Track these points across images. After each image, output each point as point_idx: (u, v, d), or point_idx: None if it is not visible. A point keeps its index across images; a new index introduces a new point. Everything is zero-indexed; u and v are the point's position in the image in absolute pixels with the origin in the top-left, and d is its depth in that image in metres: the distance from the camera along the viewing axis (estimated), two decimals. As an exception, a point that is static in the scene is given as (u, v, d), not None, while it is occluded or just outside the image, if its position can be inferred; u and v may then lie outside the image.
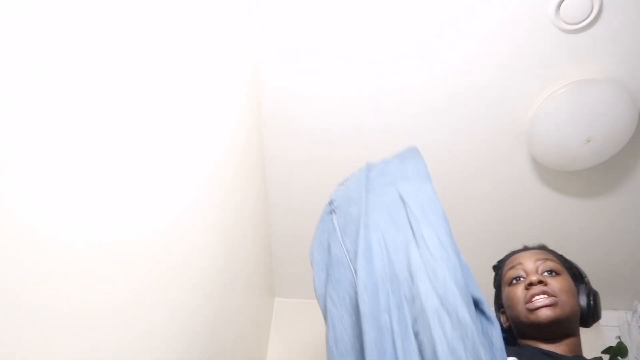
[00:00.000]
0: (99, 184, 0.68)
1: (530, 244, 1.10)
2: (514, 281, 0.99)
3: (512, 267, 1.02)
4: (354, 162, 1.87)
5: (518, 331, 0.99)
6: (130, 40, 0.76)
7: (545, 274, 0.97)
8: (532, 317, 0.91)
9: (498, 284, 1.08)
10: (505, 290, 1.01)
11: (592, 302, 0.99)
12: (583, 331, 2.10)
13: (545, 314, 0.90)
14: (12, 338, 0.51)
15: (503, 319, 1.05)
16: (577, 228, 1.95)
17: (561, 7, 1.44)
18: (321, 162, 1.85)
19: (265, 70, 1.64)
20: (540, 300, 0.91)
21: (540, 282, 0.93)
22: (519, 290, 0.95)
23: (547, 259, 1.01)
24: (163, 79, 0.90)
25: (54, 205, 0.58)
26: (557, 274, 0.98)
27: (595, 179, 1.82)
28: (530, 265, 0.99)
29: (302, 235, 2.09)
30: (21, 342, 0.52)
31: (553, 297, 0.91)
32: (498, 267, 1.11)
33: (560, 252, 2.02)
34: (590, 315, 0.98)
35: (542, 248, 1.09)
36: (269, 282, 2.16)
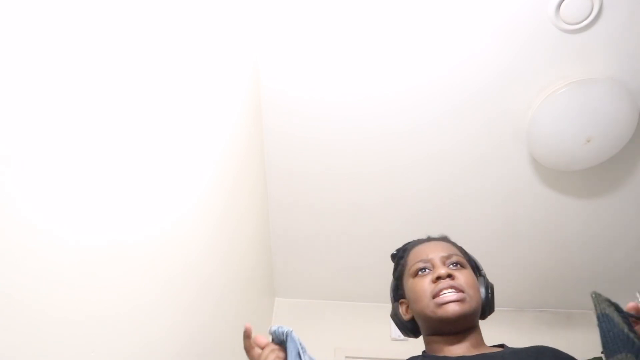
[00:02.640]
0: (101, 188, 0.68)
1: (433, 234, 1.08)
2: (420, 273, 0.96)
3: (418, 259, 0.99)
4: (354, 163, 1.88)
5: (422, 324, 0.98)
6: (130, 43, 0.76)
7: (452, 267, 0.96)
8: (440, 312, 0.89)
9: (399, 274, 1.05)
10: (410, 282, 0.98)
11: (490, 295, 0.99)
12: (583, 331, 2.11)
13: (453, 309, 0.88)
14: (12, 338, 0.51)
15: (402, 309, 1.02)
16: (577, 228, 1.95)
17: (561, 7, 1.44)
18: (321, 165, 1.85)
19: (265, 72, 1.64)
20: (448, 295, 0.89)
21: (448, 275, 0.91)
22: (426, 283, 0.93)
23: (452, 253, 0.99)
24: (164, 82, 0.90)
25: (56, 207, 0.58)
26: (463, 267, 0.97)
27: (595, 179, 1.82)
28: (437, 257, 0.97)
29: (302, 237, 2.09)
30: (21, 343, 0.52)
31: (461, 293, 0.90)
32: (400, 257, 1.08)
33: (560, 252, 2.03)
34: (487, 307, 0.98)
35: (446, 240, 1.07)
36: (269, 282, 2.16)
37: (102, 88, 0.68)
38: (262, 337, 0.89)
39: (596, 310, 0.75)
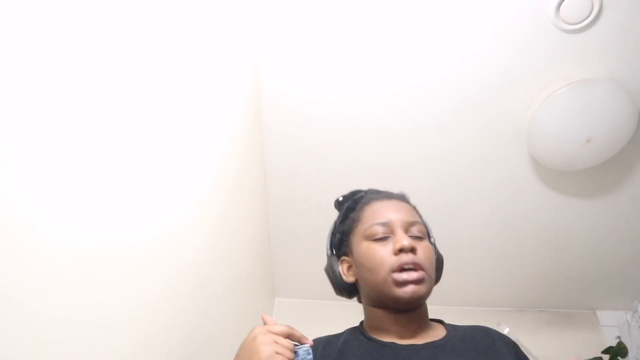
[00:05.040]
0: (101, 188, 0.68)
1: (392, 192, 0.97)
2: (379, 236, 0.86)
3: (376, 221, 0.87)
4: (354, 164, 1.88)
5: (369, 294, 0.89)
6: (130, 42, 0.76)
7: (414, 237, 0.86)
8: (398, 291, 0.81)
9: (348, 228, 0.94)
10: (364, 246, 0.88)
11: (440, 267, 0.93)
12: (583, 331, 2.10)
13: (412, 290, 0.81)
14: (12, 338, 0.51)
15: (343, 268, 0.93)
16: (577, 228, 1.95)
17: (561, 7, 1.44)
18: (321, 164, 1.85)
19: (265, 72, 1.64)
20: (409, 273, 0.81)
21: (412, 250, 0.83)
22: (386, 254, 0.83)
23: (415, 220, 0.89)
24: (164, 82, 0.90)
25: (56, 207, 0.58)
26: (422, 237, 0.88)
27: (595, 179, 1.82)
28: (399, 223, 0.86)
29: (302, 236, 2.09)
30: (21, 343, 0.52)
31: (422, 272, 0.82)
32: (350, 208, 0.97)
33: (560, 252, 2.03)
34: (436, 280, 0.91)
35: (406, 200, 0.97)
36: (269, 282, 2.16)
37: (101, 88, 0.68)
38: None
39: None
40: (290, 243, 2.11)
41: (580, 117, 1.59)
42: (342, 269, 0.94)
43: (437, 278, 0.93)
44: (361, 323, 0.95)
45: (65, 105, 0.60)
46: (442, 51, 1.57)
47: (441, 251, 0.99)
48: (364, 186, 1.89)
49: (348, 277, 0.93)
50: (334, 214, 2.00)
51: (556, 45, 1.53)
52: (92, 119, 0.66)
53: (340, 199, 1.03)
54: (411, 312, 0.86)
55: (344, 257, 0.95)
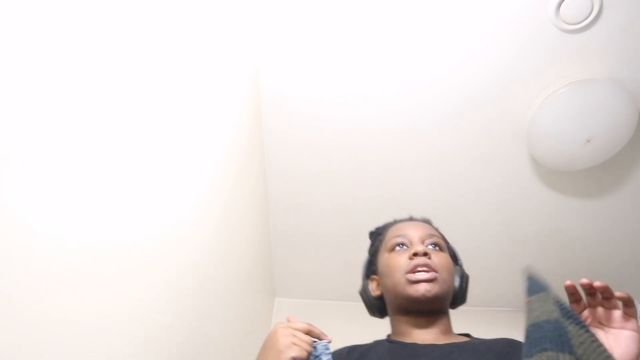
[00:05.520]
0: (101, 188, 0.68)
1: (415, 215, 1.06)
2: (397, 248, 0.95)
3: (396, 235, 0.97)
4: (354, 164, 1.88)
5: (391, 301, 0.96)
6: (130, 43, 0.76)
7: (430, 247, 0.94)
8: (411, 289, 0.87)
9: (375, 250, 1.03)
10: (385, 256, 0.97)
11: (464, 284, 0.98)
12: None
13: (424, 288, 0.86)
14: (12, 338, 0.51)
15: (372, 285, 1.01)
16: (578, 228, 1.95)
17: (561, 7, 1.44)
18: (321, 164, 1.85)
19: (265, 72, 1.64)
20: (421, 274, 0.88)
21: (425, 254, 0.90)
22: (402, 259, 0.91)
23: (432, 234, 0.98)
24: (164, 82, 0.90)
25: (56, 207, 0.58)
26: (441, 249, 0.95)
27: (595, 179, 1.82)
28: (416, 235, 0.95)
29: (302, 236, 2.09)
30: (21, 343, 0.52)
31: (434, 272, 0.88)
32: (378, 234, 1.07)
33: (560, 252, 2.02)
34: (459, 297, 0.97)
35: (428, 222, 1.07)
36: (269, 282, 2.16)
37: (102, 88, 0.68)
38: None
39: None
40: (290, 243, 2.11)
41: (580, 117, 1.59)
42: (371, 286, 1.02)
43: (462, 296, 0.98)
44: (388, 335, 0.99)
45: (66, 106, 0.60)
46: (442, 51, 1.57)
47: (388, 220, 1.07)
48: (364, 185, 1.90)
49: (375, 292, 1.00)
50: (333, 214, 2.01)
51: (556, 45, 1.53)
52: (93, 119, 0.66)
53: (373, 230, 1.11)
54: (432, 316, 0.90)
55: (372, 276, 1.02)
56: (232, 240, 1.45)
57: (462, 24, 1.52)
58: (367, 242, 2.02)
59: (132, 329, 0.79)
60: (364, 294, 1.03)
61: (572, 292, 0.75)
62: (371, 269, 1.04)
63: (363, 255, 2.14)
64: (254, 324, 1.87)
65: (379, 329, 2.39)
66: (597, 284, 0.70)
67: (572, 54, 1.54)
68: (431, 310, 0.90)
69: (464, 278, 0.99)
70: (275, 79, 1.66)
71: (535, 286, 0.71)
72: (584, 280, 0.72)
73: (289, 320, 0.88)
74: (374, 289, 1.00)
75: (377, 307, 1.01)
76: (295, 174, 1.88)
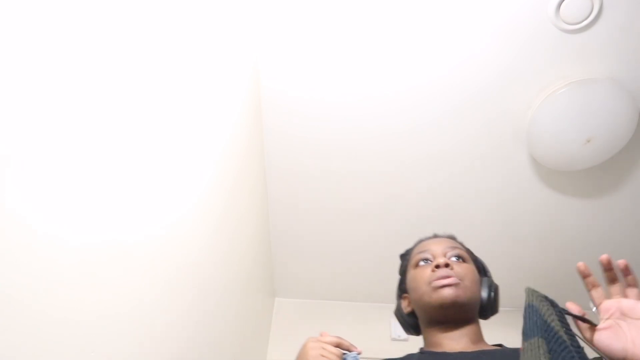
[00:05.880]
0: (101, 188, 0.68)
1: (439, 232, 1.11)
2: (422, 263, 1.00)
3: (420, 252, 1.02)
4: (355, 164, 1.88)
5: (421, 314, 1.00)
6: (130, 43, 0.76)
7: (453, 259, 0.98)
8: (435, 295, 0.91)
9: (404, 269, 1.08)
10: (412, 273, 1.02)
11: (492, 295, 1.00)
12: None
13: (448, 292, 0.90)
14: (12, 338, 0.51)
15: (404, 304, 1.05)
16: (578, 228, 1.95)
17: (561, 7, 1.44)
18: (321, 165, 1.85)
19: (265, 72, 1.64)
20: (444, 279, 0.92)
21: (446, 265, 0.94)
22: (426, 272, 0.96)
23: (455, 247, 1.01)
24: (164, 82, 0.90)
25: (56, 207, 0.58)
26: (464, 260, 0.99)
27: (595, 179, 1.82)
28: (438, 250, 1.00)
29: (302, 236, 2.09)
30: (21, 343, 0.52)
31: (456, 278, 0.92)
32: (405, 255, 1.12)
33: (560, 252, 2.03)
34: (489, 307, 0.99)
35: (451, 237, 1.10)
36: (269, 282, 2.16)
37: (102, 88, 0.68)
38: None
39: (525, 302, 0.76)
40: (290, 243, 2.11)
41: (580, 117, 1.59)
42: (403, 304, 1.06)
43: (493, 306, 1.00)
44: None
45: (66, 106, 0.60)
46: (443, 51, 1.57)
47: (415, 241, 1.10)
48: (364, 185, 1.90)
49: (407, 309, 1.04)
50: (333, 215, 2.01)
51: (556, 45, 1.53)
52: (93, 120, 0.66)
53: (403, 252, 1.15)
54: (461, 325, 0.93)
55: (404, 295, 1.06)
56: (232, 241, 1.45)
57: (462, 24, 1.52)
58: (368, 243, 2.04)
59: (132, 329, 0.79)
60: (398, 312, 1.07)
61: (607, 268, 0.80)
62: (402, 288, 1.08)
63: (362, 256, 2.15)
64: (254, 324, 1.87)
65: (378, 329, 2.39)
66: (620, 261, 0.76)
67: (572, 54, 1.54)
68: (458, 316, 0.92)
69: (493, 288, 1.01)
70: (275, 79, 1.66)
71: (529, 328, 0.72)
72: (604, 257, 0.77)
73: (321, 335, 0.91)
74: (405, 306, 1.05)
75: (410, 323, 1.04)
76: (295, 174, 1.89)
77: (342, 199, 1.94)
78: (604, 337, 0.67)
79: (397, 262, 2.08)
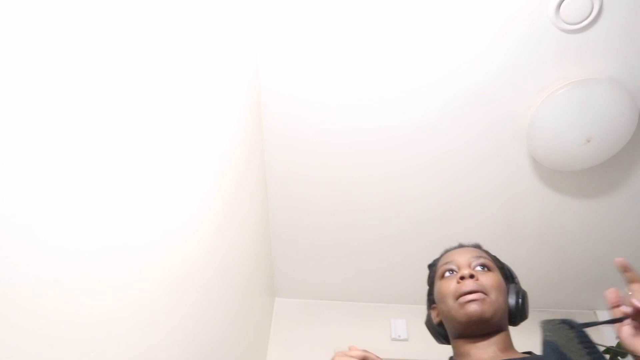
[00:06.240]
0: (102, 191, 0.68)
1: (464, 242, 1.12)
2: (447, 274, 1.00)
3: (445, 262, 1.03)
4: (355, 165, 1.88)
5: (448, 325, 1.00)
6: (130, 44, 0.76)
7: (478, 268, 0.98)
8: (462, 311, 0.92)
9: (431, 280, 1.09)
10: (437, 284, 1.02)
11: (520, 301, 1.01)
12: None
13: (473, 308, 0.91)
14: (13, 340, 0.51)
15: (434, 314, 1.06)
16: (577, 228, 1.95)
17: (561, 7, 1.44)
18: (321, 166, 1.85)
19: (265, 74, 1.64)
20: (470, 295, 0.92)
21: (471, 276, 0.94)
22: (451, 284, 0.96)
23: (479, 256, 1.02)
24: (164, 85, 0.90)
25: (57, 210, 0.58)
26: (489, 270, 1.00)
27: (595, 179, 1.82)
28: (463, 260, 1.01)
29: (302, 236, 2.09)
30: (22, 344, 0.52)
31: (482, 293, 0.92)
32: (433, 265, 1.13)
33: (560, 252, 2.03)
34: (518, 314, 1.00)
35: (476, 246, 1.11)
36: (269, 282, 2.16)
37: (102, 90, 0.68)
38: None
39: (542, 338, 0.77)
40: (290, 243, 2.11)
41: (580, 117, 1.59)
42: (433, 315, 1.07)
43: (521, 313, 1.01)
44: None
45: (66, 107, 0.60)
46: (443, 52, 1.57)
47: (442, 251, 1.10)
48: (364, 186, 1.90)
49: (436, 319, 1.05)
50: (333, 215, 2.01)
51: (556, 45, 1.53)
52: (93, 123, 0.66)
53: (431, 262, 1.15)
54: (488, 335, 0.93)
55: (433, 305, 1.07)
56: (233, 241, 1.45)
57: (462, 25, 1.52)
58: (368, 243, 2.04)
59: (133, 330, 0.79)
60: (428, 322, 1.08)
61: (625, 270, 0.81)
62: (431, 298, 1.09)
63: (363, 256, 2.15)
64: (254, 324, 1.87)
65: (378, 329, 2.39)
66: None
67: (572, 54, 1.54)
68: (485, 329, 0.93)
69: (520, 295, 1.02)
70: (275, 80, 1.66)
71: None
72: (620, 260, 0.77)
73: (349, 349, 0.92)
74: (435, 316, 1.06)
75: (440, 333, 1.05)
76: (295, 175, 1.89)
77: (342, 199, 1.94)
78: (628, 334, 0.71)
79: (397, 262, 2.09)
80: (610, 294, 0.77)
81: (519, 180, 1.84)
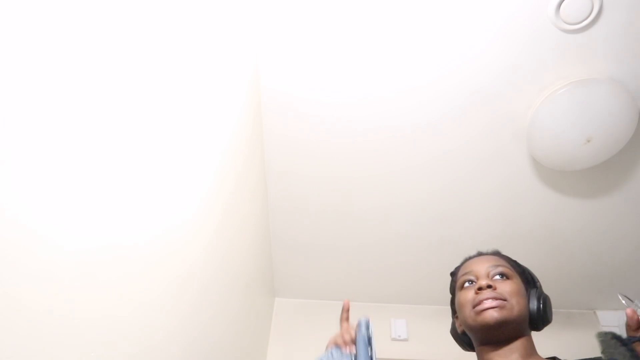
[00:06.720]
0: (102, 190, 0.68)
1: (484, 249, 1.12)
2: (466, 284, 1.01)
3: (465, 273, 1.04)
4: (354, 165, 1.88)
5: (471, 335, 1.02)
6: (130, 44, 0.76)
7: (497, 277, 0.99)
8: (479, 319, 0.93)
9: (453, 289, 1.10)
10: (458, 294, 1.03)
11: (542, 305, 0.99)
12: (583, 331, 2.10)
13: (490, 315, 0.91)
14: (13, 340, 0.51)
15: (457, 323, 1.06)
16: (577, 228, 1.95)
17: (561, 7, 1.44)
18: (321, 166, 1.85)
19: (265, 75, 1.64)
20: (488, 301, 0.93)
21: (489, 286, 0.95)
22: (469, 294, 0.97)
23: (498, 265, 1.02)
24: (164, 85, 0.90)
25: (57, 210, 0.58)
26: (508, 278, 0.99)
27: (595, 179, 1.82)
28: (481, 270, 1.01)
29: (302, 236, 2.09)
30: (21, 344, 0.52)
31: (500, 300, 0.93)
32: (454, 274, 1.14)
33: (560, 252, 2.03)
34: (540, 318, 0.99)
35: (496, 254, 1.11)
36: (269, 282, 2.16)
37: (102, 90, 0.68)
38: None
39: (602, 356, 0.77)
40: (290, 243, 2.11)
41: (580, 117, 1.59)
42: (456, 324, 1.07)
43: (543, 317, 1.00)
44: None
45: (66, 107, 0.60)
46: (443, 52, 1.57)
47: (441, 251, 1.07)
48: (364, 186, 1.90)
49: (459, 328, 1.05)
50: (333, 215, 2.01)
51: (556, 45, 1.53)
52: (93, 122, 0.66)
53: (453, 270, 1.16)
54: (510, 342, 0.94)
55: (457, 314, 1.08)
56: (233, 241, 1.45)
57: (462, 25, 1.52)
58: (368, 243, 2.04)
59: (133, 330, 0.79)
60: (453, 331, 1.09)
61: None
62: (453, 308, 1.10)
63: (363, 256, 2.15)
64: (254, 324, 1.87)
65: (378, 329, 2.39)
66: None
67: (572, 54, 1.54)
68: (504, 335, 0.93)
69: (542, 299, 1.01)
70: (275, 80, 1.66)
71: None
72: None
73: (344, 304, 0.95)
74: (458, 325, 1.06)
75: (464, 341, 1.06)
76: (295, 175, 1.89)
77: (342, 199, 1.94)
78: None
79: (397, 262, 2.09)
80: (632, 315, 0.78)
81: (518, 180, 1.84)
